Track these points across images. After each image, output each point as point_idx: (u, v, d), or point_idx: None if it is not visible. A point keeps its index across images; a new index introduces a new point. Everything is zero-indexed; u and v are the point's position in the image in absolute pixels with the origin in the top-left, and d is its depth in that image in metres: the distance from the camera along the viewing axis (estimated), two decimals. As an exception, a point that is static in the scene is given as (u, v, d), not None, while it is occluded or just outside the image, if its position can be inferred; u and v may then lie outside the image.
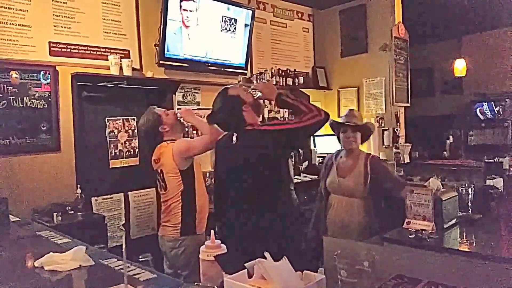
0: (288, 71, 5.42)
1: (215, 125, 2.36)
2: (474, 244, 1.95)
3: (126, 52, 3.89)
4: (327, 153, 3.15)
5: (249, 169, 2.07)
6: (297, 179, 4.57)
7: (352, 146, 2.78)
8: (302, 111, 2.03)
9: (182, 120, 2.87)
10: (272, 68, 5.27)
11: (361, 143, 2.85)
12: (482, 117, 7.16)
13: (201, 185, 2.73)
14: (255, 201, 2.07)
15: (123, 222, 3.78)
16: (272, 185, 2.09)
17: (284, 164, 2.14)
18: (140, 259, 2.37)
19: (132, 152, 3.91)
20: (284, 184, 2.17)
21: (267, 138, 2.03)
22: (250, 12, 4.73)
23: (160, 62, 4.06)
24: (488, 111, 7.08)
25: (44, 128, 3.37)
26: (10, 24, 3.23)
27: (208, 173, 3.99)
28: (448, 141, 6.13)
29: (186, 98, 4.40)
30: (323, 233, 2.64)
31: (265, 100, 2.61)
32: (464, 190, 2.47)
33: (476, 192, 2.69)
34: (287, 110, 5.32)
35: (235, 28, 4.60)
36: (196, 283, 0.95)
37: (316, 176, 4.06)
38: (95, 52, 3.69)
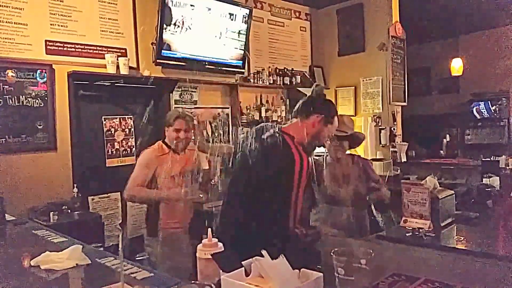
0: (286, 70, 5.42)
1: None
2: (471, 242, 1.95)
3: (123, 51, 3.88)
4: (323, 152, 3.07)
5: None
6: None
7: (338, 155, 2.67)
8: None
9: None
10: (269, 67, 5.27)
11: (348, 149, 2.76)
12: (478, 116, 7.18)
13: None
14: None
15: (120, 221, 3.77)
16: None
17: None
18: (137, 258, 2.36)
19: (129, 151, 3.90)
20: None
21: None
22: (248, 11, 4.73)
23: (157, 60, 4.05)
24: (485, 110, 7.10)
25: (41, 127, 3.36)
26: (6, 22, 3.21)
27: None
28: (444, 140, 6.14)
29: (183, 97, 4.39)
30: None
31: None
32: (460, 189, 2.47)
33: (473, 190, 2.70)
34: (284, 109, 5.33)
35: (232, 27, 4.60)
36: (193, 282, 0.95)
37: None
38: (91, 51, 3.68)
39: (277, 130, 1.96)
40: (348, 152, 2.77)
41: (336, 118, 1.98)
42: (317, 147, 2.06)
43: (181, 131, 2.56)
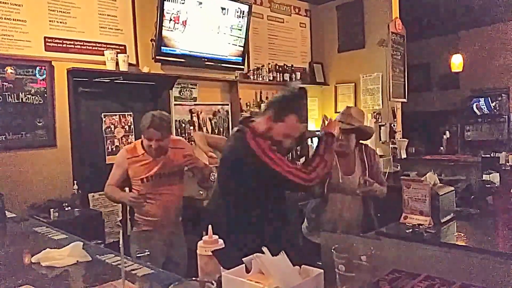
0: (285, 66, 5.41)
1: None
2: (471, 239, 1.96)
3: (122, 47, 3.87)
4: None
5: None
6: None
7: (344, 150, 2.59)
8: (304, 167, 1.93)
9: None
10: (269, 63, 5.26)
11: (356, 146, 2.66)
12: (478, 113, 7.17)
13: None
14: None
15: (120, 218, 3.76)
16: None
17: None
18: (138, 255, 2.37)
19: (128, 148, 3.89)
20: None
21: None
22: (247, 7, 4.71)
23: (157, 57, 4.04)
24: (485, 106, 7.10)
25: (40, 124, 3.36)
26: (4, 19, 3.20)
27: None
28: (444, 136, 6.14)
29: (182, 93, 4.38)
30: (320, 230, 2.61)
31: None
32: (460, 185, 2.47)
33: (473, 187, 2.70)
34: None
35: (232, 23, 4.58)
36: (194, 278, 0.95)
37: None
38: (91, 47, 3.67)
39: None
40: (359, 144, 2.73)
41: (288, 116, 1.92)
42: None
43: (153, 141, 2.46)
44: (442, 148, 5.99)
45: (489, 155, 4.31)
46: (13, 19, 3.24)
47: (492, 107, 7.02)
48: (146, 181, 2.54)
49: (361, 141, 2.74)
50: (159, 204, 2.55)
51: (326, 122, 2.15)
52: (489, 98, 7.07)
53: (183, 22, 4.12)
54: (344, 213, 2.61)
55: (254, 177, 1.89)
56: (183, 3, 4.08)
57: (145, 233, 2.58)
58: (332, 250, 1.02)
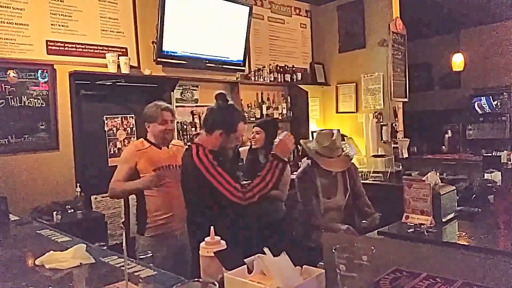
0: (286, 67, 5.42)
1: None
2: (472, 238, 1.96)
3: (124, 50, 3.89)
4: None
5: None
6: (295, 175, 4.57)
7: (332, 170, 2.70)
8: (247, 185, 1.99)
9: None
10: (270, 64, 5.27)
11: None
12: (480, 111, 7.17)
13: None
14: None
15: (123, 219, 3.78)
16: None
17: None
18: (141, 257, 2.37)
19: (131, 150, 3.90)
20: None
21: None
22: (248, 8, 4.72)
23: (158, 59, 4.06)
24: (486, 105, 7.10)
25: (43, 126, 3.37)
26: (7, 23, 3.22)
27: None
28: (446, 136, 6.14)
29: (184, 95, 4.40)
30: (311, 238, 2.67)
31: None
32: (462, 184, 2.48)
33: (474, 186, 2.70)
34: (285, 106, 5.33)
35: (232, 25, 4.59)
36: (196, 279, 0.96)
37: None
38: (92, 50, 3.69)
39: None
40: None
41: (240, 124, 2.09)
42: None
43: (168, 122, 2.59)
44: (444, 147, 5.99)
45: (490, 154, 4.30)
46: (15, 23, 3.26)
47: (494, 106, 7.02)
48: (159, 171, 2.54)
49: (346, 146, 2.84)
50: (167, 197, 2.55)
51: (281, 141, 2.09)
52: (490, 96, 7.07)
53: (184, 24, 4.13)
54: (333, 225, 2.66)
55: (201, 191, 2.03)
56: (183, 6, 4.09)
57: (153, 238, 2.56)
58: (333, 250, 1.03)
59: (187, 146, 2.22)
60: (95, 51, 3.70)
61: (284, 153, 2.03)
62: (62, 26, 3.51)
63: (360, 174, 2.96)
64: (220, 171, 1.97)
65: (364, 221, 2.61)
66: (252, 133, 3.11)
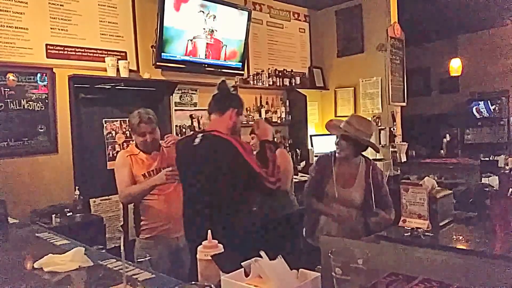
0: (285, 71, 5.44)
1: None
2: (469, 242, 1.97)
3: (123, 54, 3.90)
4: (324, 153, 2.96)
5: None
6: (294, 178, 4.58)
7: (341, 155, 2.63)
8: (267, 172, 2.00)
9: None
10: (269, 68, 5.29)
11: (355, 155, 2.66)
12: (478, 116, 7.20)
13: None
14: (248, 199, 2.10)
15: (122, 223, 3.79)
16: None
17: None
18: (139, 260, 2.38)
19: (129, 154, 3.91)
20: None
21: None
22: (247, 13, 4.75)
23: (157, 63, 4.08)
24: (484, 109, 7.13)
25: (42, 130, 3.38)
26: (7, 26, 3.24)
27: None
28: (444, 140, 6.16)
29: (183, 99, 4.41)
30: (316, 238, 2.61)
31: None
32: (459, 188, 2.48)
33: (472, 190, 2.71)
34: (284, 110, 5.35)
35: (231, 29, 4.62)
36: (193, 282, 0.97)
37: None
38: (92, 54, 3.70)
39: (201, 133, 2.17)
40: (365, 159, 2.74)
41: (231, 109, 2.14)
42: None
43: (146, 135, 2.58)
44: (442, 151, 6.01)
45: (488, 158, 4.32)
46: (15, 27, 3.27)
47: (492, 110, 7.05)
48: (148, 176, 2.58)
49: (369, 158, 2.77)
50: (163, 199, 2.57)
51: (258, 128, 2.24)
52: (488, 101, 7.10)
53: (182, 28, 4.15)
54: (339, 224, 2.60)
55: (239, 179, 1.99)
56: (182, 10, 4.11)
57: (150, 240, 2.57)
58: (329, 254, 1.04)
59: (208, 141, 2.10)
60: (95, 55, 3.72)
61: (266, 135, 2.16)
62: (62, 30, 3.53)
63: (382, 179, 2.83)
64: (255, 158, 2.01)
65: (374, 218, 2.53)
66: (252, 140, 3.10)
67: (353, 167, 2.67)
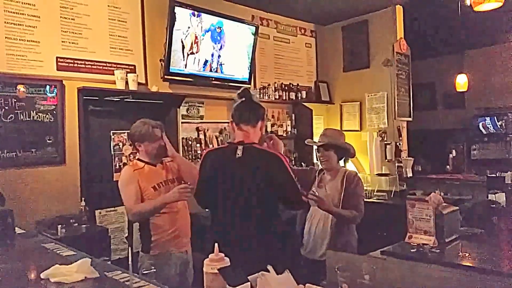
0: (291, 85, 5.48)
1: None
2: (476, 259, 1.95)
3: (132, 67, 3.96)
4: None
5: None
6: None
7: (326, 165, 2.76)
8: None
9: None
10: (275, 82, 5.33)
11: (340, 163, 2.80)
12: (484, 131, 7.16)
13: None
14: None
15: (126, 234, 3.80)
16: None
17: None
18: (144, 272, 2.38)
19: (136, 165, 3.94)
20: None
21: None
22: (254, 28, 4.81)
23: (165, 77, 4.13)
24: (491, 125, 7.09)
25: (50, 141, 3.42)
26: (19, 40, 3.30)
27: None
28: (450, 155, 6.13)
29: (190, 112, 4.45)
30: (298, 245, 2.67)
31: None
32: (466, 205, 2.47)
33: (478, 206, 2.69)
34: (290, 124, 5.37)
35: (239, 44, 4.67)
36: (200, 295, 0.97)
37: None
38: (101, 67, 3.76)
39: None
40: (346, 169, 2.83)
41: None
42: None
43: (157, 141, 2.57)
44: (448, 167, 5.97)
45: (495, 175, 4.29)
46: (27, 40, 3.34)
47: (498, 126, 7.01)
48: (158, 188, 2.53)
49: (346, 167, 2.91)
50: (171, 213, 2.54)
51: (270, 143, 2.26)
52: (495, 117, 7.07)
53: (191, 43, 4.22)
54: (312, 227, 2.67)
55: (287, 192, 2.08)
56: (190, 26, 4.18)
57: (159, 255, 2.53)
58: (336, 270, 1.04)
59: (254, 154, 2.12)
60: (104, 67, 3.77)
61: (278, 150, 2.21)
62: (72, 43, 3.59)
63: (364, 191, 2.92)
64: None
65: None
66: None
67: (333, 173, 2.77)
